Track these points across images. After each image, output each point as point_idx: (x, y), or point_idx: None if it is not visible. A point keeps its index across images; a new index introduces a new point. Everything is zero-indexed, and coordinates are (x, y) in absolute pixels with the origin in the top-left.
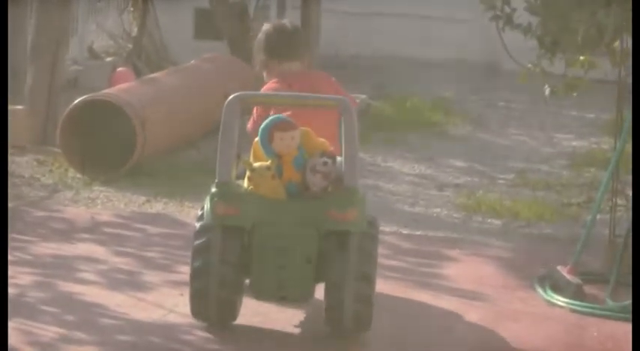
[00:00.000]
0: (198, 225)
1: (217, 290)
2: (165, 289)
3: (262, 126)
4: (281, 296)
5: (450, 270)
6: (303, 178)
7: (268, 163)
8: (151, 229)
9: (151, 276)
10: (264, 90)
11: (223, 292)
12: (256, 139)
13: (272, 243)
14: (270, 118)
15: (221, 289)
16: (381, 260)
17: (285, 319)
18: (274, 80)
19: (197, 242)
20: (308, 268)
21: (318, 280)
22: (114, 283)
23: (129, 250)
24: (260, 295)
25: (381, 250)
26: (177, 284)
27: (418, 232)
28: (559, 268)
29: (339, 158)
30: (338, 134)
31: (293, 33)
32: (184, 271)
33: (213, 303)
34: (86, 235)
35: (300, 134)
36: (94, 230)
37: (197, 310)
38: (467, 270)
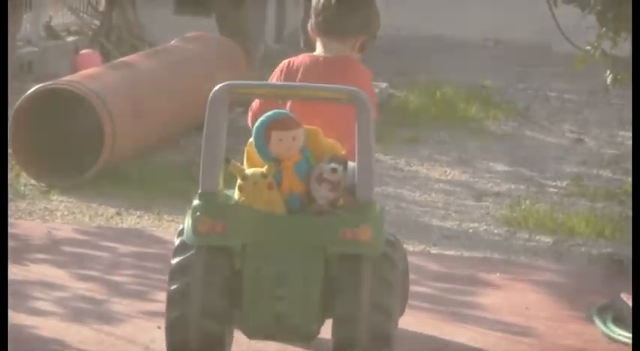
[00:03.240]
0: (177, 243)
1: (198, 324)
2: (139, 321)
3: (257, 124)
4: (279, 335)
5: (489, 298)
6: (307, 189)
7: (264, 169)
8: (122, 248)
9: (121, 305)
10: (287, 61)
11: (206, 328)
12: (250, 140)
13: (268, 268)
14: (267, 114)
15: (203, 324)
16: None
17: None
18: (306, 54)
19: (174, 263)
20: (312, 299)
21: (324, 315)
22: (76, 313)
23: (94, 273)
24: (253, 332)
25: None
26: (153, 315)
27: (450, 252)
28: (623, 296)
29: (351, 164)
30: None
31: (346, 2)
32: (163, 300)
33: (194, 341)
34: (42, 256)
35: (305, 134)
36: (52, 249)
37: (175, 346)
38: (510, 298)
